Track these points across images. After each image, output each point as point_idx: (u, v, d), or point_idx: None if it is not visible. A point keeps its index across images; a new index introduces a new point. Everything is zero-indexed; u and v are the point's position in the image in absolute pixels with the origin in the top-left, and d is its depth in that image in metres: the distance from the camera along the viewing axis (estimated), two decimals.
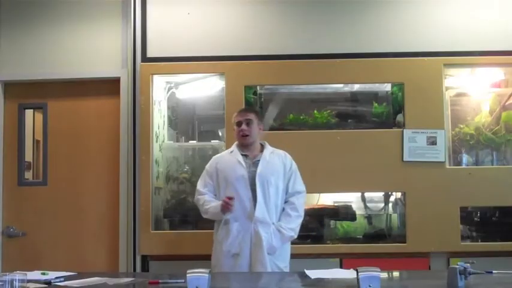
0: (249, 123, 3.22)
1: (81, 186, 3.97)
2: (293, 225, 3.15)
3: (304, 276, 2.47)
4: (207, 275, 1.93)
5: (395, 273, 2.61)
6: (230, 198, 3.05)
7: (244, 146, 3.26)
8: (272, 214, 3.14)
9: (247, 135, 3.22)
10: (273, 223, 3.12)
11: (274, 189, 3.16)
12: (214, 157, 3.36)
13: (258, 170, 3.14)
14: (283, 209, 3.19)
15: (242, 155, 3.23)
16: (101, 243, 3.91)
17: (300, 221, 3.19)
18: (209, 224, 3.57)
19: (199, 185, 3.30)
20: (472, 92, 3.97)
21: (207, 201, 3.20)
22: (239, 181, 3.15)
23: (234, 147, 3.30)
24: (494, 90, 3.97)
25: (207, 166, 3.32)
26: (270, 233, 3.09)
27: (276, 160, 3.23)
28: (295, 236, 3.17)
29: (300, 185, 3.26)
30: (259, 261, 3.01)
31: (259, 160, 3.20)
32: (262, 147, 3.29)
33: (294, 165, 3.28)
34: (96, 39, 3.98)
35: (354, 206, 3.91)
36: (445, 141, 3.71)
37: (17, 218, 3.97)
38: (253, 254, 3.04)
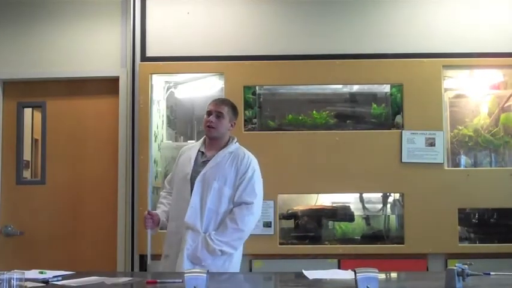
0: (219, 116, 2.97)
1: (80, 186, 3.97)
2: (226, 239, 2.83)
3: (302, 276, 2.47)
4: (204, 275, 1.93)
5: (393, 274, 2.61)
6: (150, 214, 2.91)
7: (209, 138, 3.03)
8: (208, 222, 2.86)
9: (212, 128, 2.96)
10: (205, 232, 2.85)
11: (216, 196, 2.87)
12: (183, 148, 3.19)
13: (202, 172, 2.91)
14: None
15: (200, 151, 3.02)
16: (99, 242, 3.90)
17: (239, 235, 2.86)
18: None
19: (167, 178, 3.19)
20: (471, 93, 3.98)
21: (158, 203, 3.13)
22: (182, 180, 2.95)
23: (201, 140, 3.11)
24: (493, 92, 3.98)
25: (177, 157, 3.15)
26: (198, 242, 2.82)
27: (228, 163, 2.94)
28: (232, 251, 2.88)
29: (250, 196, 2.90)
30: (180, 269, 2.74)
31: (209, 160, 2.96)
32: (227, 144, 3.02)
33: (251, 172, 2.93)
34: (96, 38, 3.98)
35: (352, 207, 3.91)
36: (443, 142, 3.71)
37: (15, 216, 3.97)
38: (178, 260, 2.83)
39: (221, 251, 2.83)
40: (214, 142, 3.02)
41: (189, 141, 4.14)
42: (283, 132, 3.81)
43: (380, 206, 3.94)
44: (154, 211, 3.04)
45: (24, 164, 4.07)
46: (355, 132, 3.80)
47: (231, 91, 3.77)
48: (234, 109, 3.08)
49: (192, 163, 2.96)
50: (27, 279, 2.05)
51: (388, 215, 3.92)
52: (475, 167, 3.86)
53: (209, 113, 3.00)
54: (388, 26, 3.86)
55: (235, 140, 3.06)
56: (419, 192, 3.67)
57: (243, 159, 2.95)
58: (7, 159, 4.03)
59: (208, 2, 3.91)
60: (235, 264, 2.94)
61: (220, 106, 3.01)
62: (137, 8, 3.90)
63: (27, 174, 4.11)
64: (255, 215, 2.92)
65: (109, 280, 2.29)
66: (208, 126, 2.97)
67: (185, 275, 1.93)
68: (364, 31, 3.85)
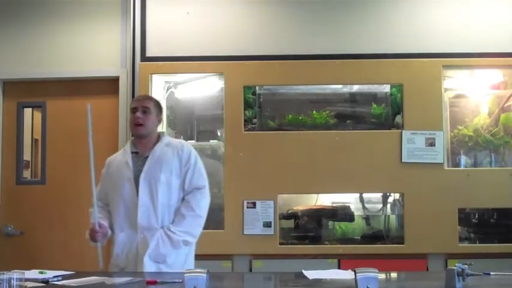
0: (146, 111, 2.87)
1: (80, 185, 3.96)
2: (186, 228, 2.78)
3: (302, 276, 2.47)
4: (204, 274, 1.93)
5: (393, 274, 2.61)
6: (101, 227, 2.76)
7: (138, 137, 2.91)
8: (162, 217, 2.79)
9: (141, 125, 2.85)
10: (162, 227, 2.78)
11: (165, 188, 2.80)
12: (108, 159, 3.03)
13: (145, 168, 2.81)
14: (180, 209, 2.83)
15: (133, 152, 2.90)
16: None
17: (198, 221, 2.83)
18: (208, 223, 3.56)
19: (98, 190, 2.94)
20: (471, 93, 3.98)
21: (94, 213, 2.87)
22: (124, 185, 2.82)
23: (127, 144, 2.98)
24: (493, 92, 3.98)
25: (102, 170, 3.00)
26: (158, 238, 2.74)
27: (169, 154, 2.86)
28: (193, 240, 2.84)
29: (200, 180, 2.88)
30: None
31: (148, 156, 2.85)
32: (159, 139, 2.94)
33: (193, 158, 2.89)
34: (96, 38, 3.98)
35: (352, 207, 3.91)
36: (443, 142, 3.72)
37: (15, 216, 3.97)
38: (138, 267, 2.73)
39: (184, 241, 2.77)
40: (144, 141, 2.91)
41: (189, 141, 4.13)
42: (283, 132, 3.81)
43: (380, 206, 3.94)
44: (102, 222, 2.83)
45: (24, 164, 4.07)
46: (355, 132, 3.80)
47: (231, 91, 3.77)
48: (158, 105, 3.00)
49: (131, 165, 2.85)
50: (27, 279, 2.05)
51: (388, 215, 3.92)
52: (475, 167, 3.86)
53: (134, 110, 2.88)
54: (388, 26, 3.87)
55: (165, 133, 3.05)
56: (419, 192, 3.67)
57: (183, 148, 2.90)
58: (7, 159, 4.03)
59: (208, 2, 3.91)
60: (192, 259, 2.90)
61: (145, 101, 2.92)
62: (137, 8, 3.90)
63: (27, 174, 4.11)
64: (207, 198, 2.90)
65: (109, 280, 2.29)
66: (136, 124, 2.86)
67: (185, 275, 1.93)
68: (364, 31, 3.86)
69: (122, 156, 2.94)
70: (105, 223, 2.85)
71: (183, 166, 2.87)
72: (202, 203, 2.86)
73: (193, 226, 2.82)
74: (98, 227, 2.78)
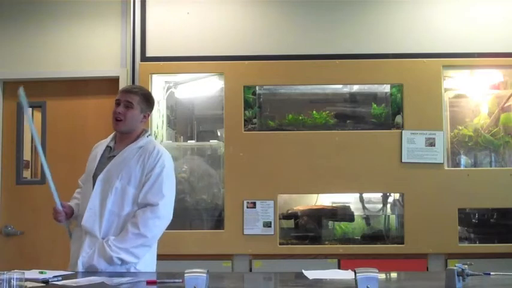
0: (128, 106, 2.66)
1: None
2: (126, 245, 2.53)
3: (302, 276, 2.47)
4: (205, 274, 1.93)
5: (393, 274, 2.61)
6: (63, 206, 2.66)
7: (119, 133, 2.73)
8: (108, 226, 2.59)
9: (120, 120, 2.66)
10: (103, 238, 2.57)
11: (118, 196, 2.59)
12: (96, 144, 2.89)
13: (105, 169, 2.63)
14: None
15: (109, 146, 2.74)
16: None
17: (141, 241, 2.55)
18: (207, 224, 3.57)
19: (81, 177, 2.87)
20: (471, 93, 3.98)
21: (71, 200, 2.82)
22: (88, 179, 2.69)
23: (111, 134, 2.82)
24: (493, 92, 3.98)
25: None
26: (94, 248, 2.55)
27: (134, 159, 2.63)
28: (133, 260, 2.58)
29: (156, 196, 2.58)
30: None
31: (115, 156, 2.67)
32: (138, 139, 2.72)
33: (159, 169, 2.61)
34: (96, 38, 3.98)
35: (352, 207, 3.91)
36: (443, 142, 3.71)
37: (15, 216, 3.97)
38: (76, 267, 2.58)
39: (120, 259, 2.53)
40: (124, 136, 2.71)
41: (189, 141, 4.14)
42: (283, 132, 3.81)
43: (380, 206, 3.94)
44: (66, 202, 2.73)
45: (24, 164, 4.07)
46: (355, 132, 3.80)
47: (231, 91, 3.77)
48: (146, 99, 2.76)
49: (98, 160, 2.69)
50: (27, 279, 2.05)
51: (388, 215, 3.92)
52: (475, 167, 3.86)
53: (117, 103, 2.69)
54: (388, 26, 3.86)
55: (148, 133, 2.79)
56: (420, 192, 3.67)
57: (152, 154, 2.63)
58: (7, 159, 4.04)
59: (208, 2, 3.91)
60: (154, 259, 2.73)
61: (129, 95, 2.69)
62: (137, 8, 3.90)
63: (27, 174, 4.11)
64: (162, 219, 2.60)
65: (109, 280, 2.29)
66: (116, 119, 2.67)
67: (185, 275, 1.93)
68: (364, 31, 3.85)
69: (101, 146, 2.79)
70: (74, 205, 2.76)
71: (144, 175, 2.61)
72: (151, 223, 2.56)
73: (135, 245, 2.55)
74: (61, 207, 2.69)
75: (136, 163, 2.63)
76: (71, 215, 2.76)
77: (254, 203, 3.67)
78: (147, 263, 2.68)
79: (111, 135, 2.82)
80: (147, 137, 2.75)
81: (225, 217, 3.68)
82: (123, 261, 2.56)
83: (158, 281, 2.27)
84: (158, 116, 3.98)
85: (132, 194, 2.61)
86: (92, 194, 2.62)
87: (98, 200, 2.61)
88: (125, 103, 2.67)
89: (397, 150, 3.71)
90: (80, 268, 2.58)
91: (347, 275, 2.40)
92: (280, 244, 3.69)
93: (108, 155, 2.72)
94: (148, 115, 2.79)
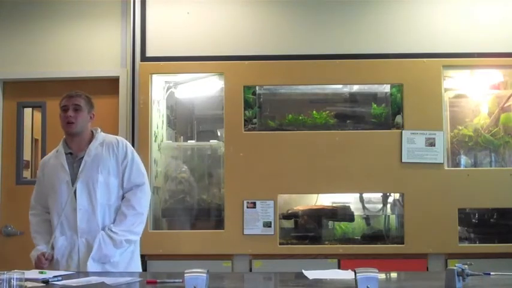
0: (77, 109, 2.86)
1: None
2: (127, 227, 2.79)
3: (302, 276, 2.47)
4: (205, 274, 1.93)
5: (393, 274, 2.61)
6: (45, 256, 2.74)
7: (71, 136, 2.89)
8: (103, 218, 2.80)
9: (72, 123, 2.84)
10: (103, 228, 2.78)
11: (104, 189, 2.80)
12: (42, 160, 3.03)
13: (81, 170, 2.80)
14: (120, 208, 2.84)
15: (67, 153, 2.87)
16: None
17: (139, 219, 2.85)
18: (208, 224, 3.57)
19: (32, 196, 2.97)
20: (471, 93, 3.98)
21: (34, 232, 2.89)
22: (62, 189, 2.80)
23: (60, 144, 2.94)
24: (493, 92, 3.98)
25: (38, 171, 3.00)
26: (99, 240, 2.74)
27: (105, 153, 2.85)
28: (136, 238, 2.88)
29: (139, 177, 2.89)
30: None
31: (83, 157, 2.84)
32: (93, 137, 2.91)
33: (130, 154, 2.90)
34: (96, 38, 3.98)
35: (352, 207, 3.91)
36: (443, 142, 3.71)
37: (15, 216, 3.96)
38: (82, 269, 2.72)
39: (127, 240, 2.80)
40: (77, 139, 2.90)
41: (189, 141, 4.14)
42: (283, 132, 3.81)
43: (380, 206, 3.94)
44: (47, 252, 2.80)
45: (24, 164, 4.07)
46: (355, 132, 3.80)
47: (231, 91, 3.77)
48: (89, 100, 2.97)
49: (67, 167, 2.84)
50: (27, 279, 2.05)
51: (388, 215, 3.92)
52: (475, 167, 3.86)
53: (65, 109, 2.87)
54: (388, 26, 3.86)
55: (99, 129, 2.98)
56: (420, 192, 3.67)
57: (118, 145, 2.89)
58: (7, 159, 4.04)
59: (208, 2, 3.91)
60: (138, 257, 2.94)
61: (75, 99, 2.89)
62: (137, 8, 3.90)
63: (27, 174, 4.11)
64: (148, 194, 2.92)
65: (109, 280, 2.29)
66: (68, 123, 2.85)
67: (185, 275, 1.93)
68: (364, 31, 3.85)
69: (56, 158, 2.90)
70: (48, 248, 2.81)
71: (120, 164, 2.87)
72: (143, 201, 2.88)
73: (135, 224, 2.83)
74: (44, 256, 2.76)
75: (109, 156, 2.86)
76: (52, 257, 2.82)
77: (254, 203, 3.67)
78: (135, 259, 2.91)
79: (60, 145, 2.93)
80: (100, 133, 2.96)
81: (225, 217, 3.68)
82: (129, 242, 2.82)
83: (158, 281, 2.27)
84: (158, 116, 3.98)
85: (114, 183, 2.85)
86: (78, 196, 2.78)
87: (85, 199, 2.79)
88: (74, 106, 2.87)
89: (397, 150, 3.71)
90: (90, 264, 2.72)
91: (347, 275, 2.40)
92: (280, 244, 3.69)
93: (75, 159, 2.87)
94: (94, 115, 2.98)
